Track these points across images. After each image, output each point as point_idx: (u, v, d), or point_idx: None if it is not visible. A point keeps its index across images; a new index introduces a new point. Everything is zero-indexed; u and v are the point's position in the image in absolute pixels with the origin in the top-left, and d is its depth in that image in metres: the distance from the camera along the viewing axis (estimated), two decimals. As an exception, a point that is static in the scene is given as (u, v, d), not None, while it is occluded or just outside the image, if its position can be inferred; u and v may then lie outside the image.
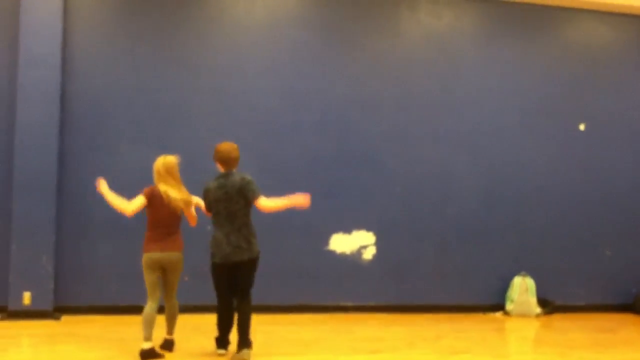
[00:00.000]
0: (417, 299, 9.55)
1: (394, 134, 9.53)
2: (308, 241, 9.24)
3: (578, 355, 7.35)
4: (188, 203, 6.53)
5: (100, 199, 8.49)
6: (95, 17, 8.75)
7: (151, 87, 8.86)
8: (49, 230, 8.28)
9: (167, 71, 8.91)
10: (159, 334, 6.65)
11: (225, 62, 9.07)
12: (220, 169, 6.47)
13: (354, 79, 9.44)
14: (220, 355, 6.61)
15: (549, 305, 9.81)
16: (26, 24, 8.29)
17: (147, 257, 6.38)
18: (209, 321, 6.99)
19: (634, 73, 10.33)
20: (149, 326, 6.30)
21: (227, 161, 6.42)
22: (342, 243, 9.36)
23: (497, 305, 9.78)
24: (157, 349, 6.46)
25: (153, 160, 6.55)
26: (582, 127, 10.12)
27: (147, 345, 6.28)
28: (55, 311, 8.34)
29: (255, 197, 6.33)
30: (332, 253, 9.32)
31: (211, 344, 6.76)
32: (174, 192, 6.39)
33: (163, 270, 6.48)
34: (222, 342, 6.66)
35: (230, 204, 6.30)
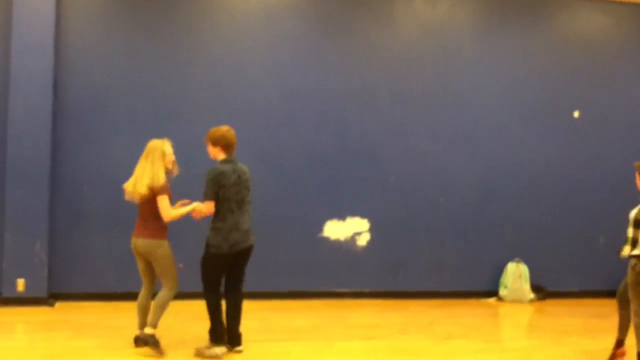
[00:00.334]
0: (411, 286, 9.58)
1: (391, 125, 9.52)
2: (303, 229, 9.26)
3: (571, 340, 7.40)
4: (141, 193, 6.07)
5: (94, 188, 8.58)
6: (89, 7, 8.68)
7: (146, 78, 8.81)
8: (43, 218, 8.26)
9: (163, 62, 8.86)
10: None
11: (221, 54, 9.03)
12: (222, 154, 6.17)
13: (350, 70, 9.41)
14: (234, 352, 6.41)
15: (542, 291, 9.86)
16: (19, 12, 8.21)
17: None
18: (204, 308, 6.97)
19: (632, 63, 10.30)
20: (139, 313, 6.32)
21: (232, 146, 6.19)
22: (336, 230, 9.37)
23: (490, 291, 9.82)
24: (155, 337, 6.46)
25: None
26: (576, 114, 10.12)
27: (139, 332, 6.30)
28: (50, 298, 8.35)
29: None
30: (326, 240, 9.34)
31: (207, 331, 6.67)
32: (131, 181, 6.17)
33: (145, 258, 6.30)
34: (231, 337, 6.38)
35: (241, 189, 6.17)
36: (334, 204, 9.34)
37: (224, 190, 6.06)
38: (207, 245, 6.16)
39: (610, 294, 10.06)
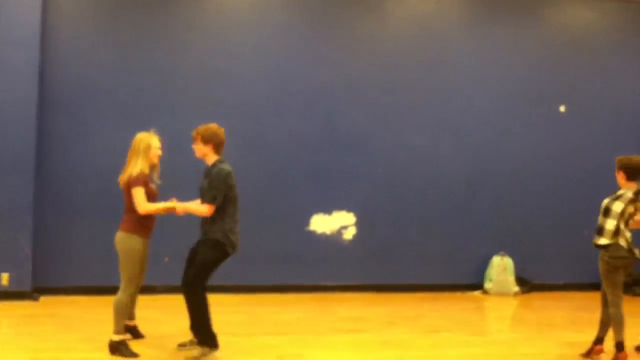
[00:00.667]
0: (397, 279, 9.60)
1: (379, 117, 9.53)
2: (289, 222, 9.26)
3: (556, 332, 7.45)
4: (125, 183, 5.97)
5: (80, 180, 8.52)
6: (74, -2, 8.63)
7: (134, 69, 8.77)
8: (27, 212, 8.19)
9: (150, 53, 8.82)
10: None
11: (209, 45, 9.00)
12: (212, 153, 5.92)
13: (338, 62, 9.41)
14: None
15: (527, 284, 9.91)
16: (5, 4, 8.12)
17: None
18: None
19: (617, 57, 10.35)
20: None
21: (222, 145, 5.97)
22: (322, 223, 9.37)
23: (476, 284, 9.87)
24: (137, 329, 6.45)
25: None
26: (562, 108, 10.18)
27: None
28: (34, 292, 8.29)
29: None
30: (313, 233, 9.34)
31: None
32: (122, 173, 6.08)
33: None
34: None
35: (236, 189, 6.01)
36: (321, 198, 9.35)
37: (232, 190, 5.88)
38: (220, 244, 5.83)
39: (594, 286, 10.13)
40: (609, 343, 6.32)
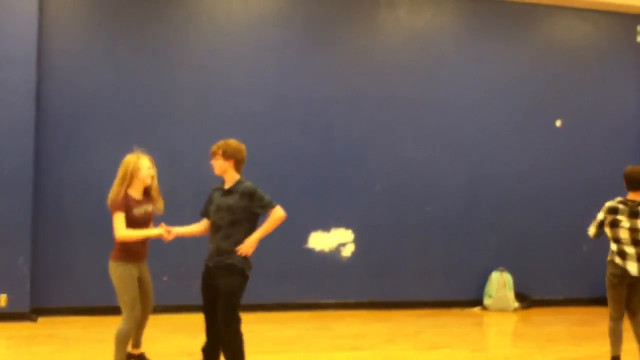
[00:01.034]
0: (396, 296, 9.58)
1: (376, 132, 9.55)
2: (287, 239, 9.22)
3: (556, 348, 7.43)
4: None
5: (78, 199, 8.51)
6: (72, 15, 8.65)
7: (131, 86, 8.77)
8: (25, 232, 8.16)
9: (146, 71, 8.83)
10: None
11: (206, 60, 9.02)
12: (232, 169, 5.66)
13: (335, 77, 9.44)
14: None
15: (526, 299, 9.90)
16: (1, 23, 8.15)
17: None
18: (188, 321, 6.95)
19: (613, 70, 10.43)
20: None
21: (244, 161, 5.76)
22: (320, 241, 9.36)
23: (475, 300, 9.85)
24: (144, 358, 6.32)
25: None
26: (558, 123, 10.21)
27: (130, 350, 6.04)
28: (32, 313, 8.25)
29: None
30: (311, 251, 9.33)
31: (190, 344, 6.65)
32: None
33: None
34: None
35: None
36: (319, 215, 9.34)
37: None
38: (242, 269, 5.60)
39: (594, 301, 10.16)
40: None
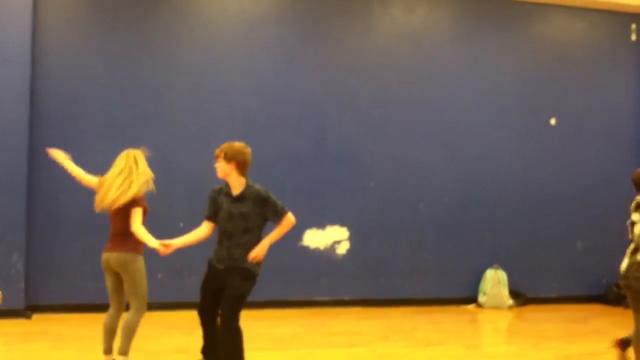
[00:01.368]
0: (391, 293, 9.59)
1: (370, 130, 9.56)
2: (282, 237, 9.19)
3: (550, 345, 7.44)
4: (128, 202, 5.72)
5: (72, 197, 8.49)
6: (66, 13, 8.63)
7: (125, 85, 8.76)
8: (19, 229, 8.16)
9: (140, 69, 8.82)
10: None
11: (200, 59, 9.01)
12: (235, 172, 5.55)
13: (329, 76, 9.44)
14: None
15: (521, 297, 9.91)
16: (-5, 22, 8.16)
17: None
18: (183, 318, 6.95)
19: (606, 68, 10.46)
20: (105, 336, 5.78)
21: (248, 165, 5.67)
22: (315, 238, 9.36)
23: (470, 298, 9.87)
24: None
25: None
26: (552, 121, 10.23)
27: (104, 358, 5.78)
28: (27, 310, 8.24)
29: None
30: (306, 248, 9.32)
31: (184, 341, 6.67)
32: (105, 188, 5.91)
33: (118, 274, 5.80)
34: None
35: None
36: (314, 213, 9.32)
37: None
38: (251, 275, 5.59)
39: (588, 299, 10.21)
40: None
